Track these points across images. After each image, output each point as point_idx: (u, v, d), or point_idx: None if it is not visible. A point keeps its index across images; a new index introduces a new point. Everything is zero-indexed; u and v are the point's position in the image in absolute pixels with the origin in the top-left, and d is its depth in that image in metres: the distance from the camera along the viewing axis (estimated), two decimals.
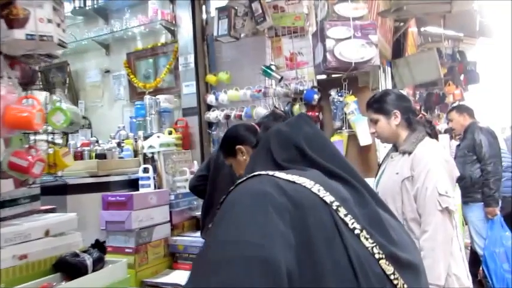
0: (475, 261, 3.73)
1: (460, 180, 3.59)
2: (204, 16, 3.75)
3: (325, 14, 3.13)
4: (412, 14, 8.05)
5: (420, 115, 2.71)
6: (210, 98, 3.57)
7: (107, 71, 4.14)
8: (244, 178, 0.75)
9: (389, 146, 2.27)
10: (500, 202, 3.53)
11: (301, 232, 0.63)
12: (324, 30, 2.89)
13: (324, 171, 0.81)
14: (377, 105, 2.08)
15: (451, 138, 4.77)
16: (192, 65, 3.62)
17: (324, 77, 3.51)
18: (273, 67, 3.37)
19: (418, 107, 10.81)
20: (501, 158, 3.64)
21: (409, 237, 0.81)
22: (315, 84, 3.26)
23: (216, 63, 3.71)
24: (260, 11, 3.22)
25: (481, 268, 3.51)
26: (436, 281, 1.80)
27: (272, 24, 3.31)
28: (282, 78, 3.31)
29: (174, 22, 3.71)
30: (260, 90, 3.34)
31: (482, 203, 3.53)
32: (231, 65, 3.64)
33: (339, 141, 3.10)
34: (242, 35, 3.50)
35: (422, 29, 9.72)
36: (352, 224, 0.69)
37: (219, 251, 0.60)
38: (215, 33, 3.40)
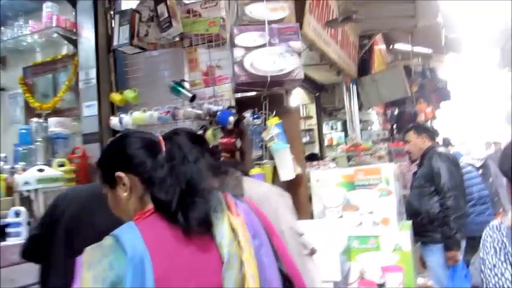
0: None
1: (415, 215, 3.00)
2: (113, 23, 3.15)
3: (235, 17, 2.54)
4: (376, 30, 7.67)
5: (222, 157, 2.17)
6: (114, 122, 2.93)
7: (2, 89, 3.48)
8: None
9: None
10: (464, 244, 2.94)
11: None
12: (233, 37, 2.31)
13: None
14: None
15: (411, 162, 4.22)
16: (94, 81, 3.00)
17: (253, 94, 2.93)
18: (185, 83, 2.77)
19: (389, 126, 10.41)
20: (464, 190, 3.06)
21: None
22: (233, 103, 2.66)
23: (126, 80, 3.09)
24: (166, 15, 2.63)
25: None
26: None
27: (182, 31, 2.71)
28: (194, 96, 2.71)
29: (74, 30, 3.09)
30: (168, 112, 2.73)
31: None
32: (142, 82, 3.02)
33: (259, 175, 2.47)
34: (159, 46, 2.91)
35: (391, 47, 9.39)
36: None
37: None
38: (115, 42, 2.78)
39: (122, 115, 2.92)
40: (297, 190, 2.56)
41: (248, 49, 2.29)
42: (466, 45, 8.32)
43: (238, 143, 2.57)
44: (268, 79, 2.29)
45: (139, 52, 2.86)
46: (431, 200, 3.02)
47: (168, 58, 2.99)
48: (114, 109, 3.07)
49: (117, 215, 1.12)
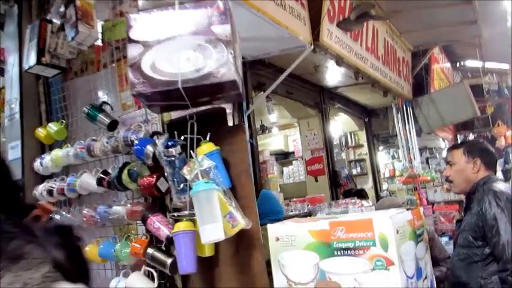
0: None
1: None
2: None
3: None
4: (430, 43, 6.55)
5: None
6: (36, 164, 2.27)
7: None
8: None
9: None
10: None
11: None
12: (128, 30, 1.55)
13: None
14: None
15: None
16: (17, 116, 2.39)
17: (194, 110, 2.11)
18: (107, 107, 2.04)
19: None
20: None
21: None
22: (159, 128, 1.87)
23: (56, 110, 2.43)
24: (74, 19, 1.96)
25: None
26: None
27: (98, 37, 2.02)
28: (114, 122, 1.97)
29: (2, 58, 2.54)
30: (83, 147, 2.00)
31: None
32: (73, 111, 2.35)
33: (186, 233, 1.60)
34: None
35: (458, 64, 8.17)
36: None
37: None
38: (24, 64, 2.16)
39: (44, 155, 2.25)
40: (249, 253, 1.66)
41: (148, 45, 1.51)
42: None
43: (163, 185, 1.74)
44: (180, 85, 1.47)
45: (60, 73, 2.21)
46: (486, 270, 1.89)
47: (103, 77, 2.29)
48: (45, 148, 2.42)
49: None
